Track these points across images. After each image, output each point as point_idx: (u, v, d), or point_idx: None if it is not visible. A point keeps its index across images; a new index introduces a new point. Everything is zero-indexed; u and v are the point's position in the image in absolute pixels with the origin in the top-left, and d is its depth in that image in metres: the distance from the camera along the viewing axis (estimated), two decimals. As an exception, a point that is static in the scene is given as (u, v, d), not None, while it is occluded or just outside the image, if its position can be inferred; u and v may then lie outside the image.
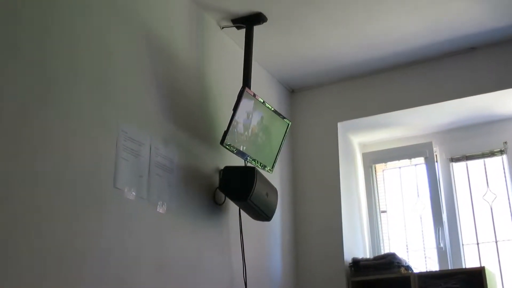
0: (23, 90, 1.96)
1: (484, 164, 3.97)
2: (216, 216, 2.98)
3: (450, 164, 4.05)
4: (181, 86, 2.90)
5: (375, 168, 4.34)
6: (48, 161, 2.01)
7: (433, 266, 3.87)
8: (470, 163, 4.01)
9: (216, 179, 3.01)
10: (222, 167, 3.03)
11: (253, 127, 3.05)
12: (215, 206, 2.98)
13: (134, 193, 2.39)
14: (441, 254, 3.83)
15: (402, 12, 3.25)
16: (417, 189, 4.14)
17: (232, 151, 2.92)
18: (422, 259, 3.96)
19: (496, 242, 3.78)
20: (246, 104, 2.98)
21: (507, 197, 3.81)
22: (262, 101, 3.11)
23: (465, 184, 3.98)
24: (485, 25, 3.41)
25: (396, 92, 3.86)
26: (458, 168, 4.04)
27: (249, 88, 3.06)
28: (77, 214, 2.08)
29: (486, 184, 3.93)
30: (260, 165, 3.13)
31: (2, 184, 1.82)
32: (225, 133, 2.84)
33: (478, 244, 3.82)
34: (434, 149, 4.07)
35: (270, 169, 3.23)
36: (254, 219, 3.11)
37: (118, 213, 2.28)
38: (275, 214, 3.13)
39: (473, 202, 3.92)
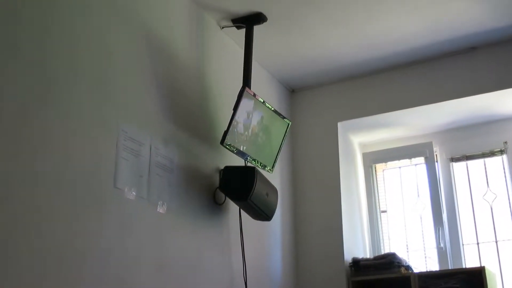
0: (23, 90, 1.96)
1: (484, 164, 3.97)
2: (216, 216, 2.98)
3: (450, 164, 4.05)
4: (181, 86, 2.91)
5: (375, 168, 4.34)
6: (48, 161, 2.01)
7: (433, 266, 3.87)
8: (470, 163, 4.01)
9: (216, 179, 3.01)
10: (222, 167, 3.03)
11: (253, 127, 3.05)
12: (215, 206, 2.98)
13: (134, 193, 2.39)
14: (441, 254, 3.83)
15: (402, 12, 3.25)
16: (417, 189, 4.14)
17: (232, 151, 2.92)
18: (422, 259, 3.96)
19: (496, 242, 3.78)
20: (246, 104, 2.98)
21: (507, 197, 3.81)
22: (262, 101, 3.11)
23: (465, 184, 3.98)
24: (485, 25, 3.41)
25: (396, 92, 3.86)
26: (458, 168, 4.04)
27: (249, 88, 3.06)
28: (77, 214, 2.08)
29: (486, 184, 3.93)
30: (260, 165, 3.13)
31: (2, 184, 1.82)
32: (225, 133, 2.84)
33: (478, 244, 3.82)
34: (434, 149, 4.07)
35: (270, 169, 3.23)
36: (254, 219, 3.11)
37: (118, 213, 2.29)
38: (275, 214, 3.13)
39: (473, 202, 3.92)
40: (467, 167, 4.02)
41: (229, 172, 2.98)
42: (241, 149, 2.95)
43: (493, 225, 3.82)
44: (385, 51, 3.69)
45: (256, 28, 3.27)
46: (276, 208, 3.12)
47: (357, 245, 3.91)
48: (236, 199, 2.94)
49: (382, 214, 4.20)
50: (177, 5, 3.01)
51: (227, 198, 3.01)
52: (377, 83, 3.94)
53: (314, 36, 3.48)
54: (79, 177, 2.12)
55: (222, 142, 2.84)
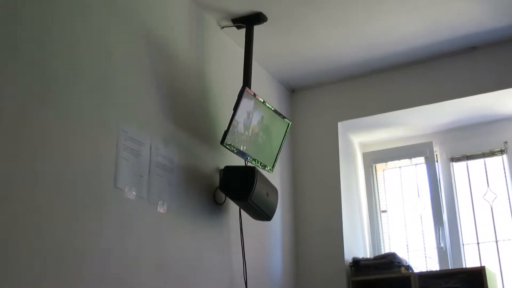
0: (23, 90, 1.96)
1: (485, 164, 3.97)
2: (216, 216, 2.98)
3: (451, 163, 4.05)
4: (181, 86, 2.91)
5: (375, 167, 4.34)
6: (48, 161, 2.01)
7: (434, 265, 3.87)
8: (471, 162, 4.01)
9: (217, 179, 3.01)
10: (222, 167, 3.03)
11: (253, 126, 3.05)
12: (215, 206, 2.98)
13: (134, 193, 2.39)
14: (442, 253, 3.83)
15: (402, 12, 3.25)
16: (418, 188, 4.14)
17: (233, 151, 2.92)
18: (422, 258, 3.96)
19: (497, 241, 3.78)
20: (246, 103, 2.98)
21: (508, 197, 3.81)
22: (262, 100, 3.11)
23: (466, 184, 3.98)
24: (485, 25, 3.41)
25: (396, 92, 3.86)
26: (459, 167, 4.04)
27: (249, 87, 3.06)
28: (77, 214, 2.09)
29: (486, 183, 3.93)
30: (260, 164, 3.13)
31: (2, 184, 1.82)
32: (226, 133, 2.84)
33: (478, 243, 3.82)
34: (435, 148, 4.07)
35: (270, 169, 3.23)
36: (255, 219, 3.11)
37: (118, 213, 2.29)
38: (275, 214, 3.13)
39: (474, 202, 3.92)
40: (467, 167, 4.02)
41: (229, 172, 2.98)
42: (241, 149, 2.95)
43: (493, 225, 3.82)
44: (385, 51, 3.69)
45: (256, 28, 3.27)
46: (276, 208, 3.12)
47: (357, 245, 3.91)
48: (236, 199, 2.94)
49: (382, 214, 4.20)
50: (177, 5, 3.01)
51: (227, 198, 3.01)
52: (377, 83, 3.94)
53: (314, 36, 3.49)
54: (79, 177, 2.12)
55: (222, 142, 2.84)
